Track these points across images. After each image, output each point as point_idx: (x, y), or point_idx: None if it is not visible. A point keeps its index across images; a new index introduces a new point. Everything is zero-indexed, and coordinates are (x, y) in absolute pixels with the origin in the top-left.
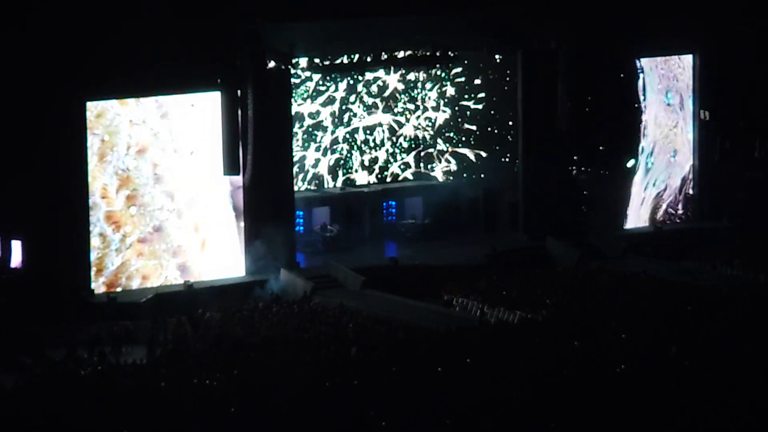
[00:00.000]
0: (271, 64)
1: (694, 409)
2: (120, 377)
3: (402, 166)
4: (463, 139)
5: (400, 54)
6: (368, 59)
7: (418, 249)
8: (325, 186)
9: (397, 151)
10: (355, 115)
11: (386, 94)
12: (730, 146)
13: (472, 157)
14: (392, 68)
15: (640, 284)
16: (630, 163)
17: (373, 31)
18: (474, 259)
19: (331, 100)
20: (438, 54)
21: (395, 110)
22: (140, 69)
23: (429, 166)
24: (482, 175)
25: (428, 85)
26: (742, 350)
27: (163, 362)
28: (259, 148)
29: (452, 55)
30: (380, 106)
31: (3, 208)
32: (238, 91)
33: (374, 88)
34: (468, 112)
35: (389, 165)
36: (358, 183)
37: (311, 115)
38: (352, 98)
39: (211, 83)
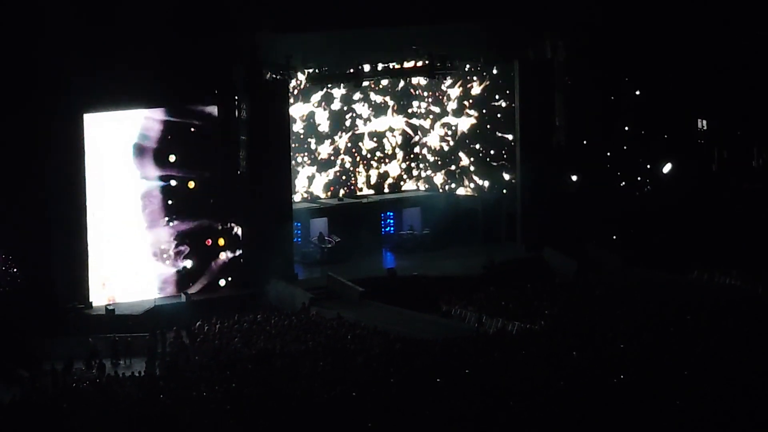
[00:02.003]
0: (268, 75)
1: (691, 419)
2: (119, 390)
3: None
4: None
5: (397, 64)
6: (365, 69)
7: (417, 260)
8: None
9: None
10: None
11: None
12: (728, 156)
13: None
14: (389, 78)
15: (638, 295)
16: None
17: (369, 41)
18: (472, 270)
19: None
20: (435, 64)
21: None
22: (137, 82)
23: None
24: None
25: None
26: (740, 361)
27: (162, 375)
28: (255, 158)
29: (449, 65)
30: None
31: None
32: (236, 102)
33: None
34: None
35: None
36: (356, 193)
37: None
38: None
39: (208, 95)
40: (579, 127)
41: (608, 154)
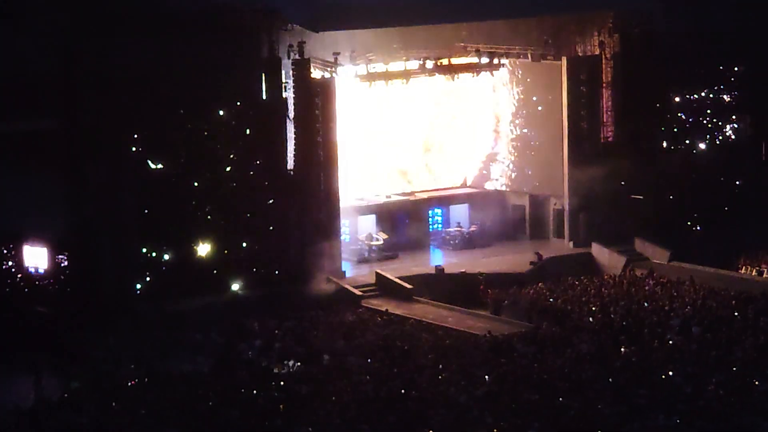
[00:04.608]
0: (316, 73)
1: (741, 414)
2: (167, 388)
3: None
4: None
5: (445, 61)
6: (413, 67)
7: (464, 257)
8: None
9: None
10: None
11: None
12: None
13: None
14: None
15: (686, 291)
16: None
17: (417, 38)
18: (520, 266)
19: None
20: (483, 61)
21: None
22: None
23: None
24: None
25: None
26: None
27: (211, 372)
28: (304, 157)
29: (497, 62)
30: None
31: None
32: (285, 101)
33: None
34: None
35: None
36: (403, 191)
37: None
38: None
39: (256, 95)
40: (627, 123)
41: (657, 148)
